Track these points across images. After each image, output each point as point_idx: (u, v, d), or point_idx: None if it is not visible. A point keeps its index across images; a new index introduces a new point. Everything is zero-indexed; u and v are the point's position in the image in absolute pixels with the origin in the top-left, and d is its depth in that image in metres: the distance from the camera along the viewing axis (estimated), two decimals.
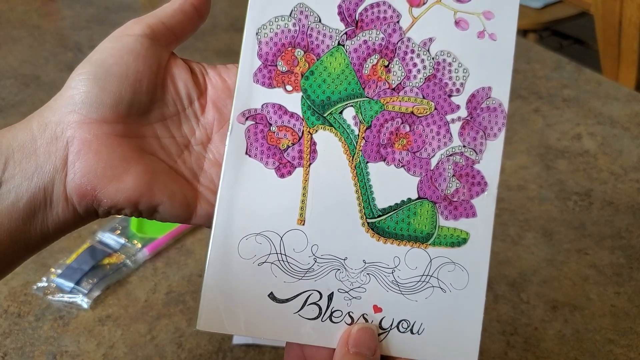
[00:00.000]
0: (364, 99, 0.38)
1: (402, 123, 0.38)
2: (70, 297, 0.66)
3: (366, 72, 0.38)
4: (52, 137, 0.36)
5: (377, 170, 0.38)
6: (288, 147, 0.38)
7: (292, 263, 0.37)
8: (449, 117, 0.38)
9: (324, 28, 0.38)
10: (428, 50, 0.38)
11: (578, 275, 0.70)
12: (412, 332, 0.38)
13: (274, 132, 0.38)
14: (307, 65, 0.38)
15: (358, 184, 0.37)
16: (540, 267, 0.71)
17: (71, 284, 0.67)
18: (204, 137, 0.41)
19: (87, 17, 1.27)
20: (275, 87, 0.38)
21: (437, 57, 0.38)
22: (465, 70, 0.38)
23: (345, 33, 0.38)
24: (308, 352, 0.38)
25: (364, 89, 0.38)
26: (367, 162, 0.37)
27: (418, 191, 0.38)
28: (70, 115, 0.36)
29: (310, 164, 0.37)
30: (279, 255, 0.37)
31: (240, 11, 1.28)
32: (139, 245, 0.73)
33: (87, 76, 0.37)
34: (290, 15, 0.38)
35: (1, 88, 1.03)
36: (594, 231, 0.76)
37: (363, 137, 0.38)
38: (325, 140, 0.38)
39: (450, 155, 0.38)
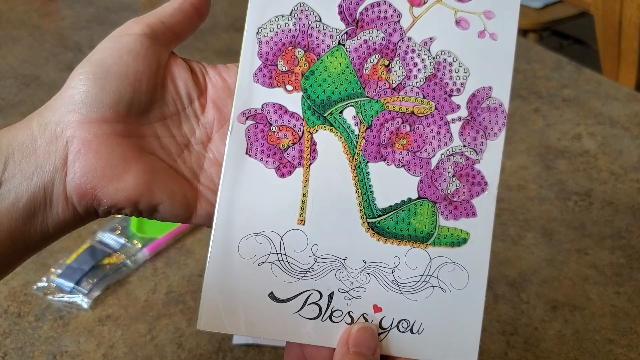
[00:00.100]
0: (364, 98, 0.38)
1: (403, 123, 0.38)
2: (70, 297, 0.66)
3: (366, 71, 0.38)
4: (52, 136, 0.36)
5: (377, 170, 0.37)
6: (288, 146, 0.38)
7: (292, 263, 0.37)
8: (449, 117, 0.38)
9: (325, 27, 0.38)
10: (428, 50, 0.38)
11: (578, 275, 0.70)
12: (412, 332, 0.38)
13: (274, 131, 0.38)
14: (307, 64, 0.38)
15: (358, 184, 0.37)
16: (540, 267, 0.71)
17: (71, 284, 0.67)
18: (204, 136, 0.41)
19: (87, 17, 1.27)
20: (275, 86, 0.38)
21: (437, 57, 0.38)
22: (465, 70, 0.38)
23: (346, 32, 0.38)
24: (308, 352, 0.38)
25: (364, 88, 0.38)
26: (368, 161, 0.37)
27: (418, 191, 0.38)
28: (70, 114, 0.36)
29: (310, 163, 0.37)
30: (279, 255, 0.37)
31: (240, 11, 1.28)
32: (139, 245, 0.73)
33: (87, 76, 0.37)
34: (290, 15, 0.38)
35: (1, 88, 1.03)
36: (594, 231, 0.76)
37: (363, 137, 0.38)
38: (326, 140, 0.38)
39: (450, 155, 0.38)
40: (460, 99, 0.38)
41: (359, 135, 0.38)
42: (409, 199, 0.38)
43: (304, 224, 0.37)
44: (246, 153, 0.38)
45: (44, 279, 0.68)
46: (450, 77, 0.38)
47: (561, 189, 0.82)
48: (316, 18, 0.38)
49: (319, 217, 0.37)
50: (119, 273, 0.70)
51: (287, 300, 0.37)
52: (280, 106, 0.38)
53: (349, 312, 0.37)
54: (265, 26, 0.38)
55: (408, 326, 0.38)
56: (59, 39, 1.19)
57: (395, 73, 0.38)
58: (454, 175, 0.38)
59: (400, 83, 0.38)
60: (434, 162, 0.38)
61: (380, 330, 0.38)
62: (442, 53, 0.38)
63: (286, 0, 0.38)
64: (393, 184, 0.38)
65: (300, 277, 0.37)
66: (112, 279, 0.69)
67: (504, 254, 0.72)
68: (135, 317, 0.65)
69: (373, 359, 0.37)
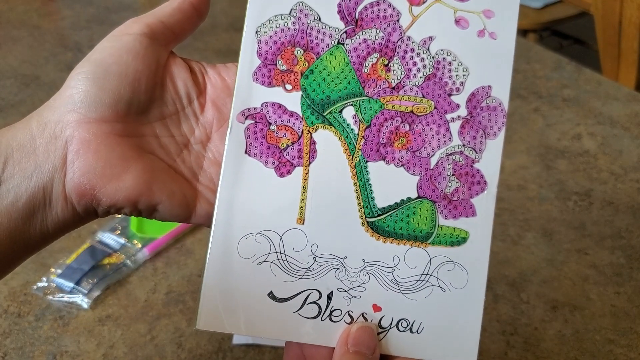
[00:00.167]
0: (363, 98, 0.38)
1: (402, 122, 0.38)
2: (70, 297, 0.66)
3: (366, 71, 0.38)
4: (52, 136, 0.36)
5: (376, 170, 0.37)
6: (287, 146, 0.38)
7: (291, 262, 0.37)
8: (448, 116, 0.38)
9: (324, 27, 0.38)
10: (428, 49, 0.38)
11: (578, 275, 0.70)
12: (411, 331, 0.38)
13: (274, 131, 0.38)
14: (306, 64, 0.38)
15: (357, 183, 0.37)
16: (540, 267, 0.71)
17: (71, 284, 0.67)
18: (204, 136, 0.40)
19: (87, 17, 1.27)
20: (274, 86, 0.38)
21: (437, 56, 0.38)
22: (465, 69, 0.38)
23: (345, 32, 0.38)
24: (308, 351, 0.38)
25: (363, 88, 0.38)
26: (367, 161, 0.37)
27: (418, 190, 0.38)
28: (70, 114, 0.36)
29: (309, 163, 0.37)
30: (279, 254, 0.37)
31: (240, 11, 1.28)
32: (139, 245, 0.73)
33: (86, 75, 0.37)
34: (289, 14, 0.38)
35: (1, 88, 1.03)
36: (594, 231, 0.76)
37: (363, 136, 0.38)
38: (325, 139, 0.38)
39: (450, 155, 0.38)
40: (460, 98, 0.38)
41: (358, 134, 0.38)
42: (409, 198, 0.38)
43: (303, 224, 0.37)
44: (245, 152, 0.38)
45: (44, 279, 0.68)
46: (450, 77, 0.38)
47: (561, 189, 0.82)
48: (315, 17, 0.38)
49: (319, 217, 0.37)
50: (119, 273, 0.70)
51: (287, 299, 0.37)
52: (280, 105, 0.38)
53: (348, 312, 0.37)
54: (264, 25, 0.38)
55: (407, 325, 0.38)
56: (59, 39, 1.19)
57: (394, 72, 0.38)
58: (453, 175, 0.38)
59: (400, 82, 0.38)
60: (433, 161, 0.38)
61: (380, 330, 0.38)
62: (442, 52, 0.38)
63: None
64: (392, 183, 0.38)
65: (299, 277, 0.37)
66: (112, 279, 0.69)
67: (504, 254, 0.72)
68: (135, 317, 0.65)
69: (372, 358, 0.36)
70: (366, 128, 0.38)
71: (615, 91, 1.03)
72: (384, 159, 0.38)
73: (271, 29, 0.38)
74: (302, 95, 0.38)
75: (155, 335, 0.63)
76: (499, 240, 0.74)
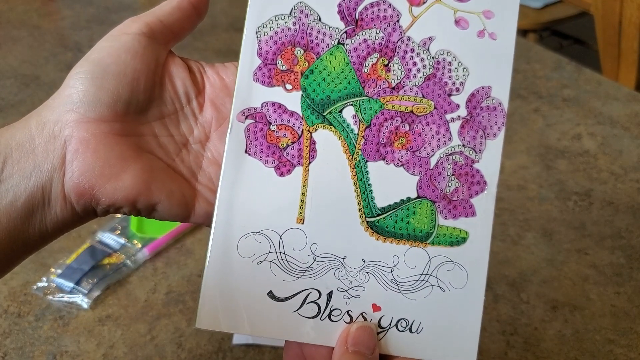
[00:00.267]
0: (363, 97, 0.38)
1: (402, 122, 0.38)
2: (70, 297, 0.66)
3: (366, 71, 0.38)
4: (50, 136, 0.36)
5: (376, 169, 0.37)
6: (287, 145, 0.38)
7: (291, 262, 0.37)
8: (448, 116, 0.38)
9: (324, 27, 0.38)
10: (428, 50, 0.38)
11: (578, 275, 0.70)
12: (411, 331, 0.38)
13: (274, 130, 0.38)
14: (306, 64, 0.38)
15: (357, 183, 0.37)
16: (540, 267, 0.71)
17: (71, 284, 0.67)
18: (202, 135, 0.41)
19: (87, 17, 1.27)
20: (275, 85, 0.38)
21: (437, 56, 0.38)
22: (465, 70, 0.38)
23: (345, 32, 0.38)
24: (307, 351, 0.38)
25: (363, 87, 0.38)
26: (367, 161, 0.37)
27: (417, 190, 0.38)
28: (68, 114, 0.36)
29: (309, 162, 0.37)
30: (278, 253, 0.37)
31: (240, 11, 1.28)
32: (139, 245, 0.73)
33: (85, 75, 0.37)
34: (290, 14, 0.38)
35: (1, 88, 1.03)
36: (594, 231, 0.76)
37: (362, 136, 0.38)
38: (325, 139, 0.38)
39: (449, 155, 0.38)
40: (460, 99, 0.38)
41: (358, 134, 0.38)
42: (408, 198, 0.38)
43: (303, 223, 0.37)
44: (246, 152, 0.38)
45: (44, 279, 0.68)
46: (450, 77, 0.38)
47: (561, 189, 0.82)
48: (316, 17, 0.38)
49: (318, 216, 0.37)
50: (119, 273, 0.70)
51: (286, 299, 0.37)
52: (280, 105, 0.38)
53: (347, 311, 0.37)
54: (264, 25, 0.38)
55: (407, 325, 0.38)
56: (59, 39, 1.18)
57: (394, 72, 0.38)
58: (453, 175, 0.38)
59: (400, 82, 0.38)
60: (433, 161, 0.38)
61: (379, 330, 0.38)
62: (442, 52, 0.38)
63: None
64: (392, 183, 0.38)
65: (299, 276, 0.37)
66: (112, 279, 0.69)
67: (504, 254, 0.72)
68: (135, 317, 0.65)
69: (372, 358, 0.36)
70: (366, 128, 0.38)
71: (615, 91, 1.03)
72: (383, 159, 0.38)
73: (271, 28, 0.38)
74: (302, 95, 0.38)
75: (155, 335, 0.63)
76: (499, 240, 0.74)
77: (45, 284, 0.68)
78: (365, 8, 0.38)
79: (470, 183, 0.38)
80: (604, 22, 1.52)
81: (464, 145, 0.38)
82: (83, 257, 0.70)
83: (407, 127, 0.38)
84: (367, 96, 0.38)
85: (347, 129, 0.38)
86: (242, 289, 0.37)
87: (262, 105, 0.38)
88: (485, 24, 0.38)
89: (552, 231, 0.76)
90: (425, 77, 0.38)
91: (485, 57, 0.38)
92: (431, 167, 0.38)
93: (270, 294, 0.37)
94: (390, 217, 0.37)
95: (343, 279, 0.37)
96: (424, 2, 0.38)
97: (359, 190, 0.37)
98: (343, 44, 0.38)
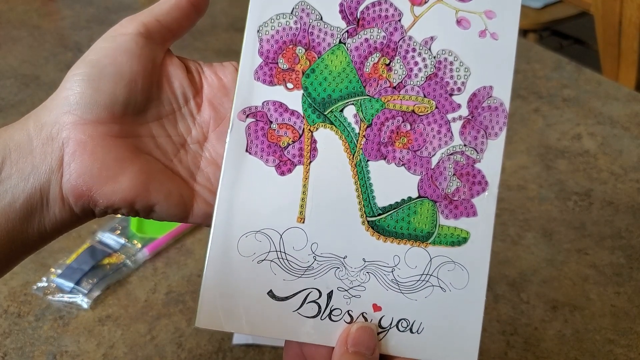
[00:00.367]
0: (364, 97, 0.38)
1: (403, 121, 0.38)
2: (70, 297, 0.66)
3: (367, 70, 0.38)
4: (48, 137, 0.36)
5: (377, 169, 0.37)
6: (288, 144, 0.38)
7: (291, 261, 0.37)
8: (449, 116, 0.38)
9: (325, 26, 0.38)
10: (429, 49, 0.38)
11: (578, 275, 0.70)
12: (411, 332, 0.37)
13: (275, 129, 0.38)
14: (308, 63, 0.38)
15: (358, 182, 0.37)
16: (540, 267, 0.71)
17: (71, 284, 0.67)
18: (200, 135, 0.40)
19: (87, 17, 1.27)
20: (276, 84, 0.38)
21: (438, 56, 0.38)
22: (466, 69, 0.38)
23: (347, 31, 0.38)
24: (307, 351, 0.38)
25: (364, 87, 0.37)
26: (368, 160, 0.37)
27: (418, 190, 0.38)
28: (66, 116, 0.36)
29: (310, 161, 0.37)
30: (279, 253, 0.37)
31: (240, 11, 1.27)
32: (139, 245, 0.73)
33: (82, 77, 0.37)
34: (291, 13, 0.38)
35: (1, 88, 1.03)
36: (594, 231, 0.76)
37: (364, 136, 0.38)
38: (326, 138, 0.38)
39: (451, 154, 0.38)
40: (461, 98, 0.38)
41: (359, 133, 0.37)
42: (409, 198, 0.38)
43: (303, 222, 0.37)
44: (246, 151, 0.38)
45: (44, 279, 0.68)
46: (451, 77, 0.38)
47: (561, 189, 0.82)
48: (317, 16, 0.38)
49: (319, 216, 0.37)
50: (119, 273, 0.69)
51: (286, 298, 0.37)
52: (281, 104, 0.38)
53: (348, 311, 0.37)
54: (266, 24, 0.38)
55: (407, 326, 0.37)
56: (59, 39, 1.18)
57: (396, 72, 0.38)
58: (454, 175, 0.38)
59: (401, 82, 0.38)
60: (434, 161, 0.38)
61: (380, 330, 0.37)
62: (443, 52, 0.38)
63: None
64: (393, 182, 0.38)
65: (299, 276, 0.37)
66: (112, 279, 0.69)
67: (504, 254, 0.72)
68: (135, 317, 0.65)
69: (372, 359, 0.36)
70: (367, 127, 0.38)
71: (615, 91, 1.03)
72: (384, 158, 0.38)
73: (273, 27, 0.38)
74: (303, 94, 0.38)
75: (155, 335, 0.63)
76: (499, 240, 0.74)
77: (45, 284, 0.67)
78: (367, 7, 0.37)
79: (472, 183, 0.38)
80: (604, 22, 1.52)
81: (465, 145, 0.38)
82: (83, 257, 0.70)
83: (409, 127, 0.38)
84: (369, 95, 0.37)
85: (348, 128, 0.37)
86: (242, 288, 0.37)
87: (263, 104, 0.38)
88: (486, 24, 0.38)
89: (552, 231, 0.76)
90: (426, 77, 0.38)
91: (486, 57, 0.38)
92: (432, 167, 0.38)
93: (271, 294, 0.37)
94: (391, 217, 0.37)
95: (343, 278, 0.37)
96: (426, 2, 0.38)
97: (359, 189, 0.37)
98: (344, 43, 0.38)
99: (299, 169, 0.37)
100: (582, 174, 0.85)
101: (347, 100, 0.38)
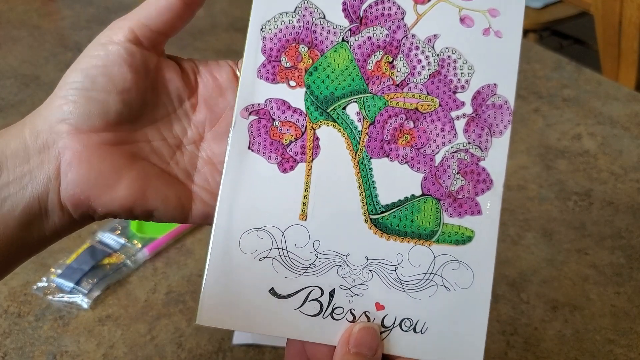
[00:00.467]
0: (367, 94, 0.37)
1: (406, 119, 0.38)
2: (70, 297, 0.66)
3: (370, 68, 0.37)
4: (44, 145, 0.36)
5: (380, 166, 0.37)
6: (291, 142, 0.37)
7: (293, 258, 0.37)
8: (453, 114, 0.38)
9: (328, 24, 0.37)
10: (433, 47, 0.38)
11: (578, 275, 0.70)
12: (415, 331, 0.37)
13: (277, 127, 0.38)
14: (311, 61, 0.38)
15: (361, 180, 0.37)
16: (540, 267, 0.71)
17: (71, 284, 0.67)
18: (196, 136, 0.40)
19: (87, 17, 1.27)
20: (278, 82, 0.38)
21: (441, 54, 0.37)
22: (470, 67, 0.38)
23: (350, 29, 0.38)
24: (309, 349, 0.38)
25: (367, 85, 0.37)
26: (371, 158, 0.37)
27: (422, 188, 0.37)
28: (61, 125, 0.36)
29: (312, 159, 0.37)
30: (280, 250, 0.37)
31: (240, 11, 1.28)
32: (139, 245, 0.73)
33: (75, 87, 0.36)
34: (294, 12, 0.38)
35: (1, 88, 1.02)
36: (594, 231, 0.76)
37: (366, 133, 0.37)
38: (328, 135, 0.37)
39: (455, 152, 0.38)
40: (465, 96, 0.38)
41: (362, 131, 0.37)
42: (413, 196, 0.37)
43: (305, 220, 0.37)
44: (249, 148, 0.37)
45: (44, 279, 0.68)
46: (455, 74, 0.37)
47: (561, 189, 0.82)
48: (320, 15, 0.37)
49: (321, 213, 0.37)
50: (119, 273, 0.69)
51: (288, 296, 0.37)
52: (284, 102, 0.38)
53: (350, 310, 0.37)
54: (269, 23, 0.38)
55: (411, 325, 0.37)
56: (59, 39, 1.18)
57: (399, 70, 0.37)
58: (458, 173, 0.38)
59: (404, 80, 0.37)
60: (438, 158, 0.38)
61: (383, 329, 0.37)
62: (447, 50, 0.37)
63: None
64: (396, 180, 0.37)
65: (301, 273, 0.37)
66: (112, 279, 0.69)
67: (504, 254, 0.72)
68: (135, 317, 0.65)
69: (374, 359, 0.36)
70: (370, 125, 0.37)
71: (615, 91, 1.03)
72: (387, 156, 0.37)
73: (276, 26, 0.38)
74: (306, 91, 0.38)
75: (155, 335, 0.63)
76: (499, 240, 0.73)
77: (45, 284, 0.67)
78: (370, 6, 0.37)
79: (476, 181, 0.38)
80: (604, 22, 1.52)
81: (469, 143, 0.38)
82: (83, 257, 0.70)
83: (412, 124, 0.38)
84: (371, 93, 0.37)
85: (351, 126, 0.37)
86: (244, 285, 0.37)
87: (265, 101, 0.38)
88: (490, 22, 0.38)
89: (552, 231, 0.76)
90: (430, 75, 0.37)
91: (490, 55, 0.38)
92: (436, 165, 0.38)
93: (272, 291, 0.37)
94: (394, 215, 0.37)
95: (346, 276, 0.37)
96: (429, 0, 0.37)
97: (362, 187, 0.37)
98: (347, 42, 0.38)
99: (301, 167, 0.37)
100: (582, 174, 0.85)
101: (349, 98, 0.37)
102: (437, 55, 0.37)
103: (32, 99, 1.00)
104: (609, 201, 0.80)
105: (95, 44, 0.37)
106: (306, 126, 0.38)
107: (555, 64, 1.11)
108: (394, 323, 0.37)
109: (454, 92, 0.38)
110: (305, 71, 0.37)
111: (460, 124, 0.38)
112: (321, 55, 0.37)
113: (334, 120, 0.37)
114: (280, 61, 0.38)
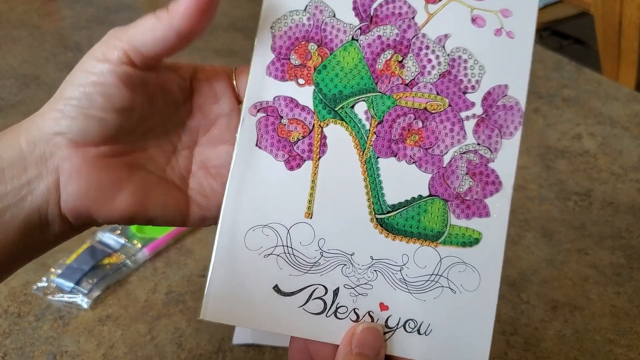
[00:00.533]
0: (376, 93, 0.37)
1: (415, 119, 0.37)
2: (70, 297, 0.66)
3: (379, 67, 0.37)
4: (42, 156, 0.36)
5: (387, 166, 0.37)
6: (298, 139, 0.37)
7: (298, 256, 0.37)
8: (463, 114, 0.37)
9: (338, 23, 0.37)
10: (443, 47, 0.37)
11: (578, 275, 0.70)
12: (419, 333, 0.37)
13: (285, 124, 0.37)
14: (320, 59, 0.37)
15: (368, 179, 0.37)
16: (540, 267, 0.71)
17: (71, 284, 0.67)
18: (190, 141, 0.40)
19: (87, 17, 1.26)
20: (287, 80, 0.37)
21: (452, 54, 0.37)
22: (481, 68, 0.37)
23: (360, 28, 0.37)
24: (312, 347, 0.38)
25: (376, 83, 0.37)
26: (378, 157, 0.37)
27: (429, 188, 0.37)
28: (58, 137, 0.36)
29: (320, 157, 0.37)
30: (285, 247, 0.37)
31: (240, 11, 1.27)
32: (139, 245, 0.72)
33: (73, 103, 0.35)
34: (304, 10, 0.37)
35: (1, 88, 1.02)
36: (594, 231, 0.76)
37: (374, 132, 0.37)
38: (336, 134, 0.37)
39: (463, 153, 0.37)
40: (475, 97, 0.37)
41: (369, 130, 0.37)
42: (420, 196, 0.37)
43: (311, 218, 0.37)
44: (256, 145, 0.37)
45: (44, 279, 0.68)
46: (465, 74, 0.37)
47: (561, 189, 0.83)
48: (330, 13, 0.37)
49: (327, 211, 0.37)
50: (119, 273, 0.69)
51: (292, 293, 0.37)
52: (292, 99, 0.37)
53: (354, 309, 0.37)
54: (279, 21, 0.37)
55: (415, 326, 0.37)
56: (59, 39, 1.18)
57: (408, 69, 0.37)
58: (466, 174, 0.37)
59: (414, 79, 0.37)
60: (446, 159, 0.37)
61: (386, 330, 0.37)
62: (457, 50, 0.37)
63: None
64: (403, 180, 0.37)
65: (305, 271, 0.37)
66: (112, 279, 0.68)
67: (504, 254, 0.72)
68: (135, 317, 0.65)
69: None
70: (378, 124, 0.37)
71: (615, 91, 1.03)
72: (395, 156, 0.37)
73: (286, 24, 0.37)
74: (314, 89, 0.37)
75: (155, 335, 0.63)
76: None
77: (45, 284, 0.67)
78: (381, 5, 0.37)
79: (485, 183, 0.37)
80: (604, 22, 1.52)
81: (478, 144, 0.37)
82: (83, 257, 0.70)
83: (420, 124, 0.37)
84: (380, 92, 0.37)
85: (359, 125, 0.37)
86: (248, 282, 0.37)
87: (274, 99, 0.37)
88: (502, 23, 0.37)
89: (552, 231, 0.76)
90: (440, 74, 0.37)
91: (502, 56, 0.37)
92: (444, 165, 0.37)
93: (276, 288, 0.37)
94: (400, 215, 0.37)
95: (350, 275, 0.37)
96: (440, 0, 0.37)
97: (369, 186, 0.37)
98: (357, 40, 0.37)
99: (308, 164, 0.37)
100: (582, 174, 0.85)
101: (358, 97, 0.37)
102: (448, 55, 0.37)
103: (32, 99, 0.99)
104: (609, 201, 0.80)
105: (91, 58, 0.36)
106: (314, 124, 0.37)
107: (555, 64, 1.11)
108: (397, 324, 0.37)
109: (464, 93, 0.37)
110: (314, 69, 0.37)
111: (469, 125, 0.37)
112: (330, 54, 0.37)
113: (342, 119, 0.37)
114: (289, 59, 0.37)
